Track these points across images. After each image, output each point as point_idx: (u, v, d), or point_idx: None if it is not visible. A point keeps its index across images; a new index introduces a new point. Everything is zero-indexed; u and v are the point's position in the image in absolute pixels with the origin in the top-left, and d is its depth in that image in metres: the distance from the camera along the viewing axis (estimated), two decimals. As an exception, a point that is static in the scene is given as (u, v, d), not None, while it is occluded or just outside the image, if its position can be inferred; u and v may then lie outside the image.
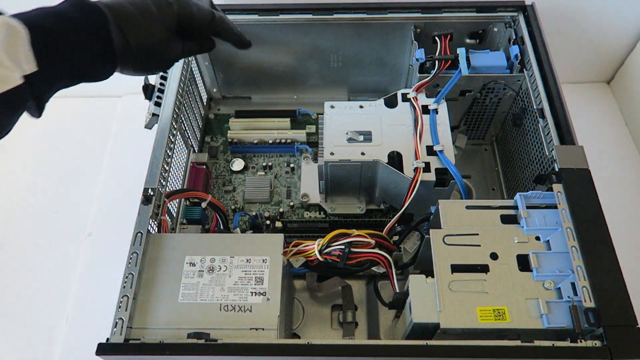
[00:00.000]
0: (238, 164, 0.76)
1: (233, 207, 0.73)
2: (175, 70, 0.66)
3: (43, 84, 0.44)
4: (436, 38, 0.65)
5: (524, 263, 0.48)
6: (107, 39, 0.47)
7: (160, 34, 0.51)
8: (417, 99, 0.63)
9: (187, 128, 0.73)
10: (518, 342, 0.43)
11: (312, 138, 0.78)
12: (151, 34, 0.50)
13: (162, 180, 0.58)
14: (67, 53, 0.45)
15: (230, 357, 0.46)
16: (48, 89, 0.45)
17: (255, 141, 0.77)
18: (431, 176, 0.57)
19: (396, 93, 0.65)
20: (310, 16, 0.71)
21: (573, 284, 0.46)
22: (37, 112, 0.44)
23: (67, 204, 0.89)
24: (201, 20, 0.55)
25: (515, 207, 0.51)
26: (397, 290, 0.56)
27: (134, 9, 0.49)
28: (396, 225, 0.60)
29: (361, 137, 0.61)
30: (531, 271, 0.47)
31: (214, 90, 0.85)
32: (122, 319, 0.47)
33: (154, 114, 0.65)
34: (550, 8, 0.82)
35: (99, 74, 0.49)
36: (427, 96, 0.64)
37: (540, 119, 0.61)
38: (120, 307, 0.48)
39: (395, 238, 0.61)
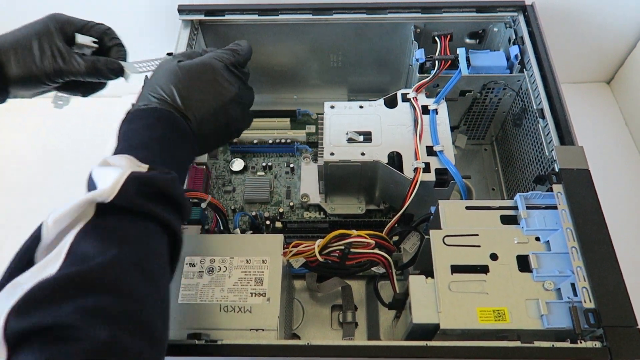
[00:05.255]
0: (238, 164, 0.76)
1: (233, 207, 0.73)
2: (175, 71, 0.66)
3: None
4: (436, 38, 0.65)
5: (523, 264, 0.48)
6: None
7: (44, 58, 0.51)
8: (417, 99, 0.63)
9: (186, 128, 0.72)
10: (518, 343, 0.43)
11: (312, 138, 0.78)
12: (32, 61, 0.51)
13: (161, 181, 0.57)
14: None
15: (230, 358, 0.46)
16: None
17: (255, 141, 0.77)
18: (431, 176, 0.57)
19: (396, 93, 0.65)
20: (310, 16, 0.71)
21: (573, 285, 0.46)
22: None
23: (67, 204, 0.88)
24: (80, 22, 0.54)
25: (515, 208, 0.51)
26: (397, 291, 0.56)
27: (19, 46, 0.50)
28: (396, 225, 0.60)
29: (361, 138, 0.61)
30: (531, 272, 0.47)
31: (214, 90, 0.85)
32: (122, 320, 0.47)
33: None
34: (550, 8, 0.81)
35: None
36: (427, 96, 0.64)
37: (540, 119, 0.61)
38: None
39: (395, 238, 0.61)
